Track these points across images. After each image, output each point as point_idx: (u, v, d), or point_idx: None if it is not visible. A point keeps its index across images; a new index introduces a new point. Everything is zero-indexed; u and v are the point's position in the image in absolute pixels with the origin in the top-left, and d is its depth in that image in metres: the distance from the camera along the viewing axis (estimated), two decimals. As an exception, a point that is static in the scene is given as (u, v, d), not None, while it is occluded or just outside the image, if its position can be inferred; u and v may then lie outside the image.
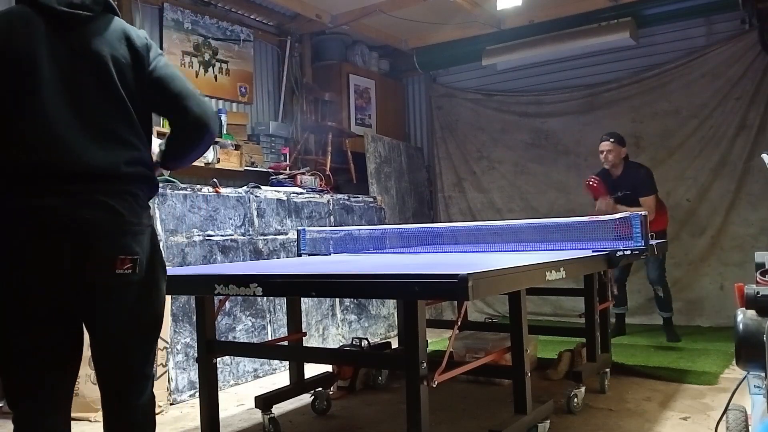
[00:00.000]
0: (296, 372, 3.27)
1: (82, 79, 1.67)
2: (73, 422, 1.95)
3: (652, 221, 4.56)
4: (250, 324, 4.20)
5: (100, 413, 3.43)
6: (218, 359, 2.80)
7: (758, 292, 1.77)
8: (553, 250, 3.17)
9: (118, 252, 1.69)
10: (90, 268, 1.67)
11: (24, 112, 1.62)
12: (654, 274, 4.73)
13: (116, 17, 1.78)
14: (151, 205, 1.87)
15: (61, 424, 1.79)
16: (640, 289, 5.50)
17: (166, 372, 3.53)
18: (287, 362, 3.57)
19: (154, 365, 1.86)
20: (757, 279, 1.92)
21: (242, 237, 4.28)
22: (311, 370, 3.45)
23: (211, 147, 4.79)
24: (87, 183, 1.66)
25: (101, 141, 1.68)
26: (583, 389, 3.20)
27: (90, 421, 3.25)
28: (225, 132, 5.08)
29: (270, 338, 4.23)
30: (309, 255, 3.81)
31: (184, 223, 3.90)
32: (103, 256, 1.68)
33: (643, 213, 3.10)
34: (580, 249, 3.12)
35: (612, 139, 4.72)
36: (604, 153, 4.71)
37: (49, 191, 1.62)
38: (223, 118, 5.10)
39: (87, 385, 3.30)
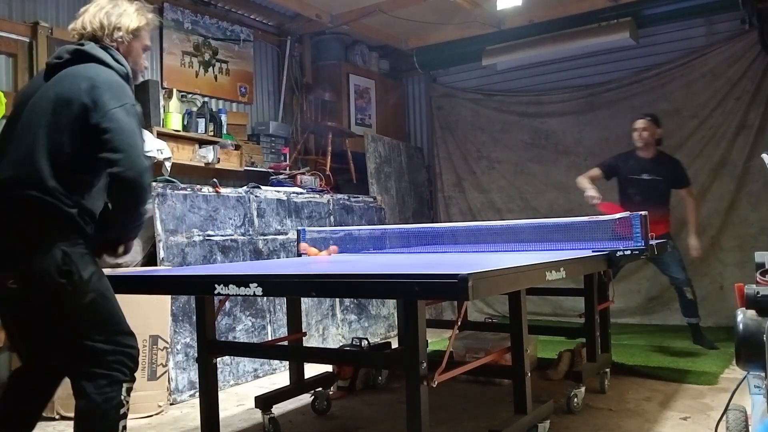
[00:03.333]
0: (296, 372, 3.27)
1: (37, 113, 1.99)
2: (65, 421, 1.99)
3: (659, 224, 4.34)
4: (250, 324, 4.20)
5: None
6: (218, 359, 2.80)
7: (758, 292, 1.77)
8: (553, 250, 3.17)
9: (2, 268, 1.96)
10: None
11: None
12: (682, 276, 4.46)
13: (85, 65, 2.02)
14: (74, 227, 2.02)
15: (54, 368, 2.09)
16: (639, 289, 5.51)
17: (166, 372, 3.53)
18: (287, 362, 3.57)
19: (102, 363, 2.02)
20: (757, 279, 1.92)
21: (242, 237, 4.28)
22: (311, 370, 3.45)
23: (212, 147, 4.82)
24: None
25: (19, 161, 1.96)
26: (583, 389, 3.20)
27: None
28: (225, 132, 5.09)
29: (270, 338, 4.23)
30: (309, 255, 3.81)
31: (184, 223, 3.90)
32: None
33: (643, 213, 3.09)
34: (580, 249, 3.12)
35: (649, 117, 4.58)
36: (639, 131, 4.52)
37: None
38: (223, 118, 5.11)
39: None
